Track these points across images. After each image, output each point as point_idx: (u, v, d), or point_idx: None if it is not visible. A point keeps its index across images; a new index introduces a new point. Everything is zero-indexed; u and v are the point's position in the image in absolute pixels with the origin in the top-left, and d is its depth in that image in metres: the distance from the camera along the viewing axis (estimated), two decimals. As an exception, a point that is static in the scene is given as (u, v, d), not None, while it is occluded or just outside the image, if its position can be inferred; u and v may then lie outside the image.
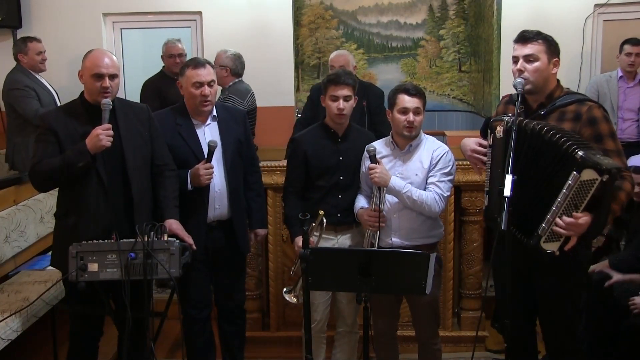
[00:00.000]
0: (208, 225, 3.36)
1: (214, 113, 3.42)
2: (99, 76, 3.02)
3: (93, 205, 3.06)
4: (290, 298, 3.40)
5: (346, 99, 3.32)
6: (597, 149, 2.66)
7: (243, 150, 3.48)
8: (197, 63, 3.33)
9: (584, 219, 2.57)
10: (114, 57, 3.12)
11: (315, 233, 3.32)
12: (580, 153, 2.53)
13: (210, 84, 3.30)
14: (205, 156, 3.27)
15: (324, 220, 3.29)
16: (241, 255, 3.58)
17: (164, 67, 5.58)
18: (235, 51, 5.03)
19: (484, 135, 3.02)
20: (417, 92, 3.20)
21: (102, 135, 2.93)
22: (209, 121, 3.40)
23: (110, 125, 2.98)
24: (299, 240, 3.34)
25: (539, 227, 2.65)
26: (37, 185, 3.18)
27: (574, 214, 2.57)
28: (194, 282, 3.36)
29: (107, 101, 3.01)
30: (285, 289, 3.46)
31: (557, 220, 2.60)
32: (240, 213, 3.47)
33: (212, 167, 3.26)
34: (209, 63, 3.37)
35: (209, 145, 3.25)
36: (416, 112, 3.18)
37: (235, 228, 3.43)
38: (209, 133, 3.38)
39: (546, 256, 2.67)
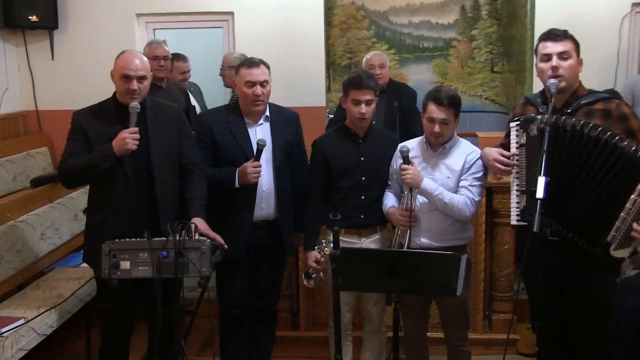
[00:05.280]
0: (254, 225, 3.37)
1: (267, 113, 3.42)
2: (127, 77, 3.07)
3: (119, 203, 3.12)
4: (308, 282, 3.42)
5: (368, 103, 3.29)
6: None
7: (294, 151, 3.49)
8: (252, 63, 3.33)
9: None
10: (145, 59, 3.16)
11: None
12: None
13: (263, 84, 3.30)
14: (254, 154, 3.27)
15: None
16: (283, 257, 3.59)
17: None
18: (241, 53, 5.05)
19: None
20: (447, 102, 3.13)
21: (128, 138, 2.99)
22: (261, 121, 3.41)
23: (137, 129, 3.03)
24: (312, 256, 3.36)
25: (608, 235, 2.58)
26: (64, 183, 3.29)
27: None
28: (235, 280, 3.39)
29: (135, 104, 3.05)
30: (306, 271, 3.43)
31: (634, 225, 2.50)
32: (287, 214, 3.46)
33: (260, 166, 3.25)
34: (264, 63, 3.36)
35: (257, 143, 3.25)
36: (443, 122, 3.14)
37: (282, 229, 3.44)
38: (260, 132, 3.39)
39: (614, 263, 2.61)
